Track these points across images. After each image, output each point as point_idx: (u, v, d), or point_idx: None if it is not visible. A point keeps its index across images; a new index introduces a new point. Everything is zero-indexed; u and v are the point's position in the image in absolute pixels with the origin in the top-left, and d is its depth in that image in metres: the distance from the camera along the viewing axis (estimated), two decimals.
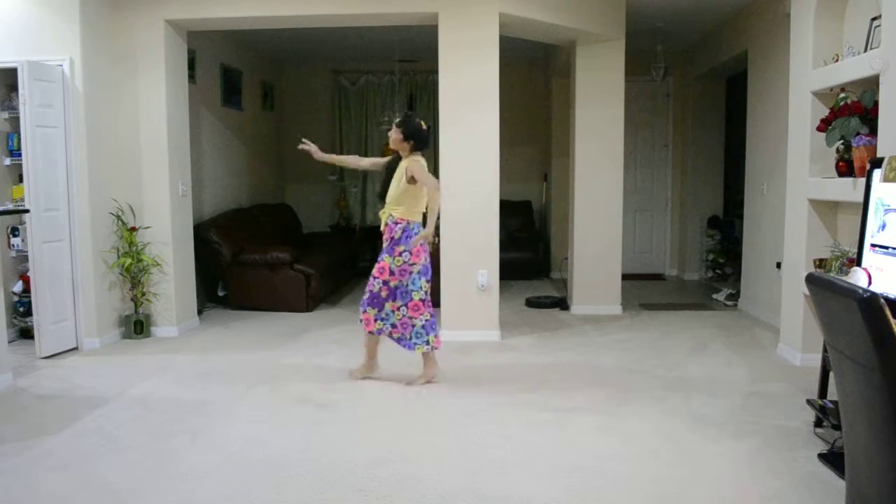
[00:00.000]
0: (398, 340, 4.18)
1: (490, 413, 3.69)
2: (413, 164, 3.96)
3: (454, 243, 5.29)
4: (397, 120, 4.10)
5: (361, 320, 4.18)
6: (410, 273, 4.05)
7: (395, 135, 4.04)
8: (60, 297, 4.90)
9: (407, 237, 4.01)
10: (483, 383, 4.22)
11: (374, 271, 4.09)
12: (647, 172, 8.43)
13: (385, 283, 4.07)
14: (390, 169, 4.14)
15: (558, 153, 8.19)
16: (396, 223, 4.02)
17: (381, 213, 4.15)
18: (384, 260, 4.05)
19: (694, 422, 3.53)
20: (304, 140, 4.38)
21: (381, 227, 4.12)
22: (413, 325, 4.11)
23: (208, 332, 5.63)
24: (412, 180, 3.95)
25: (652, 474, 2.93)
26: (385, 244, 4.09)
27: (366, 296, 4.13)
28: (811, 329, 4.41)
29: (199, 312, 6.08)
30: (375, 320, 4.14)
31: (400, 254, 4.01)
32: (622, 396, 3.94)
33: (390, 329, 4.17)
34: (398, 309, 4.11)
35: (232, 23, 5.49)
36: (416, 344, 4.13)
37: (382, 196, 4.16)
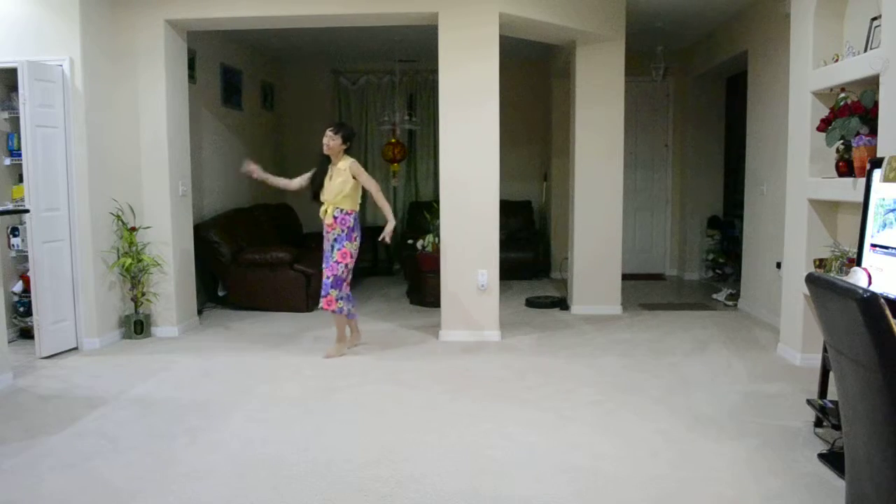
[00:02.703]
0: (349, 314, 4.88)
1: (490, 413, 3.69)
2: (354, 166, 4.66)
3: (454, 243, 5.29)
4: (332, 129, 4.68)
5: (328, 307, 4.72)
6: (357, 254, 4.80)
7: (334, 141, 4.64)
8: (60, 297, 4.90)
9: (357, 224, 4.75)
10: (483, 383, 4.23)
11: (337, 257, 4.68)
12: (647, 172, 8.43)
13: (346, 265, 4.72)
14: (321, 173, 4.75)
15: (558, 153, 8.19)
16: (348, 214, 4.67)
17: (322, 211, 4.70)
18: (345, 247, 4.68)
19: (694, 422, 3.53)
20: (247, 161, 4.99)
21: (328, 222, 4.68)
22: (353, 298, 4.95)
23: (208, 332, 5.63)
24: (355, 178, 4.65)
25: (652, 474, 2.93)
26: (339, 233, 4.67)
27: (329, 279, 4.68)
28: (811, 329, 4.41)
29: (199, 312, 6.08)
30: (337, 300, 4.70)
31: (356, 238, 4.73)
32: (622, 396, 3.94)
33: (350, 307, 4.85)
34: (349, 286, 4.81)
35: (232, 23, 5.49)
36: (356, 314, 5.00)
37: (316, 196, 4.76)
